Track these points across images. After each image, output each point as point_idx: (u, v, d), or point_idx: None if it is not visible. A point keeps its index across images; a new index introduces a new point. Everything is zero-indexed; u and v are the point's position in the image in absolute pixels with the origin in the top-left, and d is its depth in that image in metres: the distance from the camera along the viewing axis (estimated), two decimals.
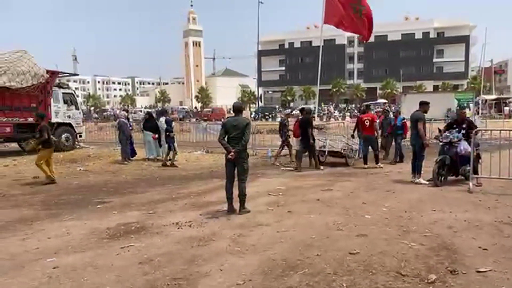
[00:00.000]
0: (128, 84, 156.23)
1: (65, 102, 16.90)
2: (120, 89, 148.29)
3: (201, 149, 16.04)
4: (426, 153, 8.84)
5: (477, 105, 41.11)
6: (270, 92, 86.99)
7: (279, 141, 15.26)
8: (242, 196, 6.31)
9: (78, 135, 17.53)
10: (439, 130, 9.01)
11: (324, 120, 35.98)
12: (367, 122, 11.29)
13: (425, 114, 8.94)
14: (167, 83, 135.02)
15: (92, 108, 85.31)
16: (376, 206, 6.66)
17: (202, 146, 16.41)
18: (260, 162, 13.21)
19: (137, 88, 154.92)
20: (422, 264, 4.11)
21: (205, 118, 45.35)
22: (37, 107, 15.20)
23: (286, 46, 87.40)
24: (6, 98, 14.24)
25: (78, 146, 17.39)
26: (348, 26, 13.94)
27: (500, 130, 9.43)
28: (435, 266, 4.05)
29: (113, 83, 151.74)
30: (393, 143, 12.49)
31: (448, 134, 8.51)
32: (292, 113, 18.51)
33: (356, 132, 12.15)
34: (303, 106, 13.07)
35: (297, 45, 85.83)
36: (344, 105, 66.47)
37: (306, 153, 11.66)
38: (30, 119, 14.98)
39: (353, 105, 65.54)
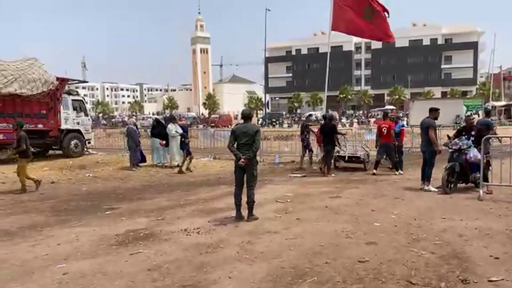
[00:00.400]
0: (136, 91, 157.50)
1: (74, 108, 17.07)
2: (128, 96, 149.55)
3: (208, 156, 16.08)
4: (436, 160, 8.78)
5: (486, 111, 40.61)
6: (277, 99, 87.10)
7: (286, 147, 15.24)
8: (251, 203, 6.31)
9: (87, 142, 17.67)
10: (448, 137, 8.94)
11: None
12: (384, 129, 11.33)
13: (435, 121, 8.87)
14: (174, 90, 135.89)
15: (100, 115, 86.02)
16: (385, 213, 6.62)
17: (210, 153, 16.46)
18: (268, 169, 13.20)
19: (145, 95, 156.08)
20: (433, 273, 4.06)
21: (212, 124, 45.51)
22: (47, 114, 15.38)
23: (293, 52, 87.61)
24: (17, 105, 14.42)
25: (87, 153, 17.52)
26: (361, 32, 13.84)
27: (511, 137, 9.34)
28: (445, 275, 4.01)
29: (122, 89, 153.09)
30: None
31: (457, 141, 8.45)
32: (311, 117, 18.24)
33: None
34: (325, 113, 13.13)
35: (304, 51, 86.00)
36: (352, 112, 66.31)
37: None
38: (40, 126, 15.16)
39: (361, 112, 65.38)
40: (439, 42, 77.86)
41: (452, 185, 8.32)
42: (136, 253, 4.86)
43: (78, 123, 17.13)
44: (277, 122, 49.27)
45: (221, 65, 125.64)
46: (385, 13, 12.77)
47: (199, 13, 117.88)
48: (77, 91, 18.84)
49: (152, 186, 10.31)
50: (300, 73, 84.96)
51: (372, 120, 42.15)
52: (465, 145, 8.27)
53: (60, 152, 16.37)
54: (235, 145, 6.28)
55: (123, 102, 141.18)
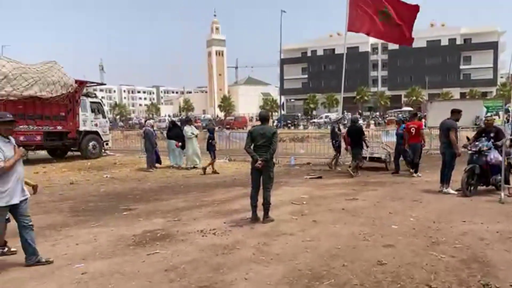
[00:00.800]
0: (153, 93, 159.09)
1: (92, 111, 17.34)
2: (145, 98, 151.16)
3: (224, 157, 16.12)
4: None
5: (507, 112, 39.84)
6: (292, 100, 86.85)
7: (302, 149, 15.19)
8: (267, 205, 6.29)
9: (104, 143, 17.92)
10: (468, 139, 8.77)
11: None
12: (413, 130, 11.20)
13: (456, 123, 8.70)
14: (190, 92, 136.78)
15: (118, 117, 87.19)
16: (403, 216, 6.52)
17: (225, 154, 16.50)
18: (283, 171, 13.16)
19: (162, 97, 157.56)
20: (453, 277, 3.98)
21: (228, 126, 45.67)
22: (66, 116, 15.66)
23: (309, 54, 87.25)
24: (37, 107, 14.72)
25: (104, 154, 17.77)
26: (377, 33, 13.71)
27: None
28: (466, 279, 3.92)
29: (138, 92, 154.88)
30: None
31: (477, 143, 8.28)
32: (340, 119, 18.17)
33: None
34: (352, 116, 13.42)
35: (319, 53, 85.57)
36: (368, 113, 65.64)
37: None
38: (60, 128, 15.44)
39: (377, 113, 64.65)
40: (458, 42, 76.50)
41: (472, 188, 8.15)
42: (153, 253, 4.90)
43: (96, 125, 17.38)
44: (293, 123, 49.09)
45: (236, 67, 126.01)
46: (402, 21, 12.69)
47: (215, 15, 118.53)
48: (95, 94, 19.14)
49: (168, 187, 10.39)
50: (316, 75, 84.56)
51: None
52: (485, 147, 8.10)
53: (79, 153, 16.64)
54: (251, 147, 6.29)
55: (140, 104, 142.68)
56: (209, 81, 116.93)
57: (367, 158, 12.52)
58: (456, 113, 8.70)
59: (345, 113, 52.63)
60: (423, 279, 3.92)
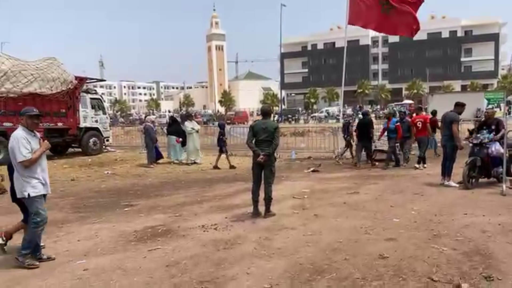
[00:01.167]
0: (153, 88, 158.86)
1: (92, 107, 17.31)
2: (145, 94, 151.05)
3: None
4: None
5: (508, 104, 39.74)
6: (293, 95, 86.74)
7: (302, 143, 15.14)
8: (268, 199, 6.29)
9: (105, 139, 17.90)
10: (469, 131, 8.74)
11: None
12: (419, 123, 11.20)
13: (459, 116, 8.66)
14: (191, 87, 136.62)
15: (118, 113, 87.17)
16: (404, 209, 6.51)
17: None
18: (284, 165, 13.15)
19: (162, 93, 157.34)
20: (455, 270, 3.97)
21: (228, 121, 45.65)
22: (66, 112, 15.64)
23: (309, 48, 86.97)
24: (37, 104, 14.61)
25: (105, 150, 17.76)
26: (378, 26, 13.58)
27: None
28: (468, 272, 3.91)
29: (138, 87, 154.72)
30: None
31: (478, 135, 8.25)
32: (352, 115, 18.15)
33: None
34: (363, 110, 13.48)
35: (320, 46, 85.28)
36: (369, 107, 65.50)
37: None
38: (60, 124, 15.43)
39: (378, 106, 64.54)
40: (459, 34, 76.18)
41: (473, 180, 8.14)
42: (155, 249, 4.89)
43: (96, 121, 17.36)
44: (293, 118, 49.04)
45: (236, 62, 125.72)
46: (409, 6, 12.46)
47: (214, 10, 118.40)
48: (95, 90, 19.08)
49: (169, 182, 10.39)
50: (316, 69, 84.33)
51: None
52: (486, 139, 8.07)
53: (79, 150, 16.64)
54: (253, 142, 6.27)
55: (140, 100, 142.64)
56: (209, 76, 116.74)
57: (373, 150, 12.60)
58: (459, 106, 8.65)
59: (328, 108, 52.92)
60: (425, 272, 3.91)
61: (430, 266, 4.05)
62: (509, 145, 8.08)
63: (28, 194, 4.39)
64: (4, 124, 13.63)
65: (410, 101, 54.95)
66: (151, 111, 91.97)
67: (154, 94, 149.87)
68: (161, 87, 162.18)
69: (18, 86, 13.61)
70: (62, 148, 16.86)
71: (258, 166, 6.26)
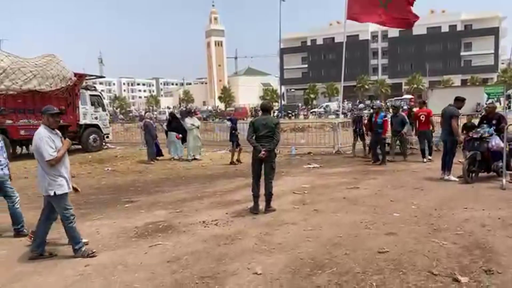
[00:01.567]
0: (153, 85, 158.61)
1: (92, 104, 17.28)
2: (145, 90, 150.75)
3: (225, 148, 16.10)
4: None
5: (508, 98, 39.69)
6: (292, 90, 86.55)
7: (302, 139, 15.16)
8: (269, 195, 6.30)
9: (105, 136, 17.90)
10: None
11: (348, 117, 35.54)
12: (422, 117, 11.27)
13: (459, 110, 8.66)
14: (190, 84, 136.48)
15: (118, 110, 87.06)
16: (404, 204, 6.52)
17: (226, 146, 16.47)
18: (284, 161, 13.15)
19: (161, 89, 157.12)
20: (455, 263, 3.99)
21: (228, 117, 45.54)
22: (66, 109, 15.61)
23: (309, 43, 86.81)
24: (37, 101, 14.67)
25: (105, 147, 17.76)
26: (376, 19, 13.55)
27: None
28: (468, 266, 3.93)
29: (138, 84, 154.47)
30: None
31: (479, 130, 8.26)
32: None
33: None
34: (374, 104, 13.35)
35: (319, 42, 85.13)
36: (369, 102, 65.43)
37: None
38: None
39: (378, 101, 64.44)
40: (459, 28, 76.00)
41: (473, 174, 8.16)
42: (155, 245, 4.91)
43: (96, 118, 17.34)
44: (293, 114, 48.98)
45: (236, 58, 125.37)
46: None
47: (213, 5, 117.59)
48: (94, 87, 19.05)
49: (169, 179, 10.40)
50: (316, 64, 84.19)
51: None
52: (486, 133, 8.07)
53: (79, 147, 16.63)
54: (253, 137, 6.27)
55: (140, 97, 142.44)
56: (208, 72, 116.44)
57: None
58: (459, 101, 8.63)
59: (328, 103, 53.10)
60: (425, 266, 3.93)
61: (430, 260, 4.07)
62: (509, 139, 8.09)
63: (54, 193, 4.49)
64: (5, 121, 13.63)
65: (410, 96, 54.92)
66: (150, 107, 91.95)
67: (153, 91, 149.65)
68: (161, 84, 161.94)
69: (17, 83, 13.59)
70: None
71: (258, 162, 6.26)
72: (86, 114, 16.81)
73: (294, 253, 4.44)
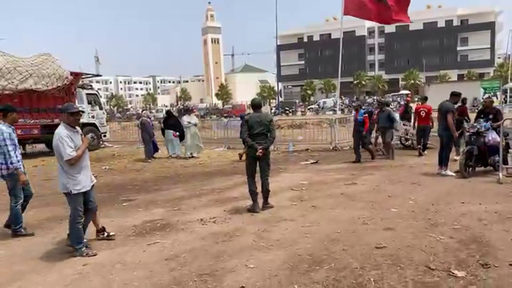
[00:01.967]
0: (149, 83, 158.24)
1: (89, 102, 17.23)
2: (142, 89, 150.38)
3: (222, 146, 16.11)
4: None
5: (505, 93, 39.80)
6: (289, 87, 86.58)
7: (300, 135, 15.09)
8: (266, 192, 6.31)
9: (102, 135, 17.86)
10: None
11: (345, 112, 35.59)
12: (423, 113, 11.43)
13: (455, 105, 8.70)
14: (187, 81, 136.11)
15: (115, 108, 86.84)
16: (402, 199, 6.55)
17: (224, 143, 16.47)
18: (282, 157, 13.16)
19: (158, 87, 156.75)
20: (452, 258, 4.01)
21: (226, 114, 45.55)
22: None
23: (305, 39, 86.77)
24: (33, 100, 14.63)
25: (102, 146, 17.73)
26: (374, 15, 13.53)
27: None
28: (465, 260, 3.95)
29: (135, 82, 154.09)
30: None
31: (475, 124, 8.28)
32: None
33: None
34: (381, 99, 13.31)
35: (316, 38, 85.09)
36: (366, 97, 65.50)
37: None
38: (56, 120, 15.36)
39: (375, 97, 64.51)
40: (455, 23, 76.11)
41: (470, 169, 8.19)
42: (154, 243, 4.92)
43: (93, 117, 17.31)
44: (291, 110, 48.99)
45: (232, 55, 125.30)
46: None
47: (209, 2, 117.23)
48: (91, 85, 19.00)
49: (167, 177, 10.39)
50: (313, 60, 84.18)
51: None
52: (483, 128, 8.10)
53: None
54: (248, 136, 6.24)
55: (137, 95, 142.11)
56: (205, 69, 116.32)
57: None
58: (455, 97, 8.68)
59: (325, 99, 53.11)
60: (422, 261, 3.95)
61: (427, 255, 4.09)
62: (506, 133, 8.12)
63: (70, 191, 4.55)
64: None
65: (407, 91, 54.97)
66: (148, 105, 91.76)
67: (150, 89, 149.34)
68: (158, 81, 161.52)
69: (13, 82, 13.53)
70: None
71: (253, 160, 6.26)
72: (83, 113, 16.74)
73: (292, 249, 4.46)
